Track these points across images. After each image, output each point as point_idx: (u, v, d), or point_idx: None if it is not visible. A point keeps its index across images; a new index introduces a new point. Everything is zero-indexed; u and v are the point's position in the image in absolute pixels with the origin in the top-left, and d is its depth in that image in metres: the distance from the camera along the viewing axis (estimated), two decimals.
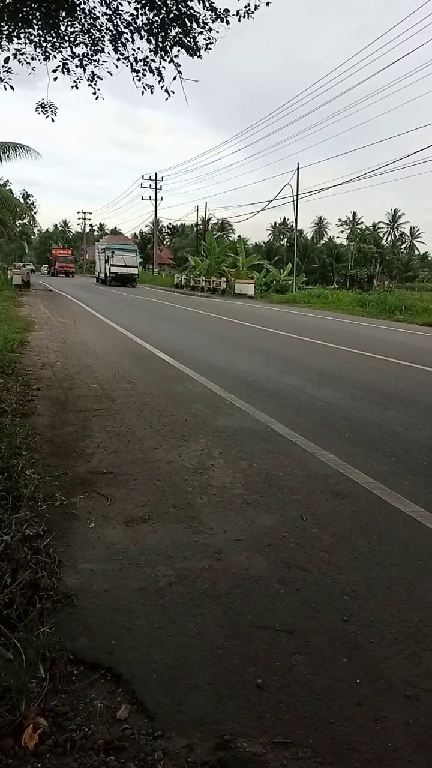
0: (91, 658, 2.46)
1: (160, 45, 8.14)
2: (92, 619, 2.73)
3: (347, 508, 4.10)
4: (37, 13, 7.86)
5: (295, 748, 2.02)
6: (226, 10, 7.77)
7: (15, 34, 8.11)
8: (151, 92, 8.50)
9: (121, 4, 7.95)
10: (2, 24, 7.93)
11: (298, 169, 39.21)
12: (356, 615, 2.83)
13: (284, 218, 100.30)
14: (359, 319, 23.04)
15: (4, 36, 8.16)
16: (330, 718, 2.17)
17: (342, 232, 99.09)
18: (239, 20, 7.87)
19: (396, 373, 10.17)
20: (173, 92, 8.49)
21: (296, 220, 44.70)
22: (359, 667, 2.46)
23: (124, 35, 8.16)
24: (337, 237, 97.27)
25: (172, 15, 7.86)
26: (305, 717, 2.17)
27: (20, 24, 7.89)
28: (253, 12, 7.86)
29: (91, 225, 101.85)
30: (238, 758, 1.96)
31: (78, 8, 8.01)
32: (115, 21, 8.16)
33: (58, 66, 8.45)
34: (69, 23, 8.26)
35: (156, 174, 61.59)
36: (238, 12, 7.82)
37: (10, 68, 8.56)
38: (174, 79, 8.32)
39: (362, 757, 2.00)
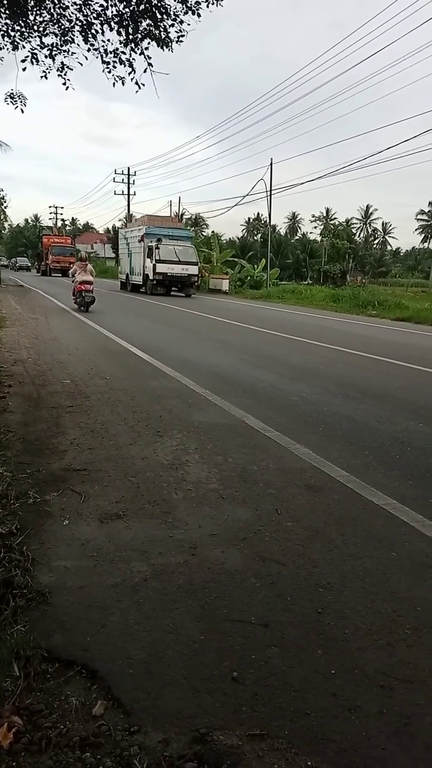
0: (66, 655, 2.44)
1: (131, 37, 8.09)
2: (67, 616, 2.71)
3: (321, 502, 4.13)
4: (5, 1, 7.74)
5: (270, 739, 2.03)
6: (197, 2, 7.74)
7: None
8: (123, 84, 8.45)
9: None
10: None
11: (271, 164, 39.21)
12: (331, 607, 2.86)
13: (258, 214, 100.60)
14: (332, 315, 23.19)
15: None
16: (305, 709, 2.18)
17: (315, 227, 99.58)
18: (208, 6, 7.83)
19: (369, 368, 10.27)
20: (143, 85, 8.47)
21: (270, 215, 44.88)
22: (334, 659, 2.48)
23: (94, 26, 8.09)
24: (311, 233, 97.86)
25: (142, 7, 7.81)
26: (281, 709, 2.18)
27: None
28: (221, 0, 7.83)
29: (63, 220, 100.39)
30: (215, 751, 1.96)
31: None
32: (84, 11, 8.09)
33: (27, 56, 8.35)
34: (38, 12, 8.16)
35: (129, 168, 61.05)
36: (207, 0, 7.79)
37: None
38: (144, 71, 8.28)
39: (337, 747, 2.02)
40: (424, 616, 2.81)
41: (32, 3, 7.92)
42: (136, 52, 8.29)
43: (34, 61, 8.41)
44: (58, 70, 8.71)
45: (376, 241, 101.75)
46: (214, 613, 2.78)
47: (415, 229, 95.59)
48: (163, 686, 2.28)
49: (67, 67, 8.69)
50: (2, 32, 8.20)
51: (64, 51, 8.54)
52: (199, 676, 2.34)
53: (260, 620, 2.73)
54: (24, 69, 8.35)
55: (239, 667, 2.40)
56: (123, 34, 8.11)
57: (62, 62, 8.61)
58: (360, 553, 3.41)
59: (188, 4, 7.79)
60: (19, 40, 8.35)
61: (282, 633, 2.65)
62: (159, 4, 7.80)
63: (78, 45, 8.49)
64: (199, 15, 7.92)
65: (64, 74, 8.75)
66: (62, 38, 8.42)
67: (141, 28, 8.09)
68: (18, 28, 8.22)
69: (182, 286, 30.05)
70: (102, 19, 8.07)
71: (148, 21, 7.99)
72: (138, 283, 31.93)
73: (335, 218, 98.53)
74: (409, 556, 3.40)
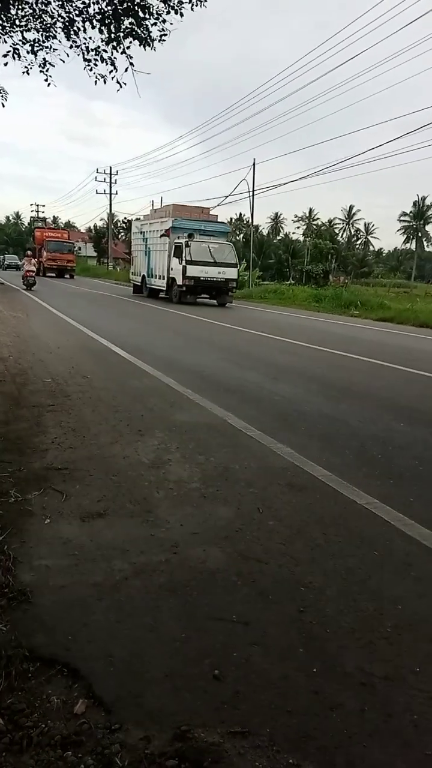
0: (47, 654, 2.43)
1: (113, 35, 8.07)
2: (48, 615, 2.70)
3: (303, 501, 4.15)
4: None
5: (252, 737, 2.04)
6: (180, 2, 7.75)
7: None
8: (104, 82, 8.44)
9: None
10: None
11: (254, 164, 39.28)
12: (312, 606, 2.87)
13: (240, 214, 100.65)
14: (315, 315, 23.28)
15: None
16: (287, 706, 2.19)
17: (298, 227, 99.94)
18: (192, 8, 7.84)
19: (350, 367, 10.33)
20: (125, 83, 8.46)
21: (252, 215, 44.94)
22: (315, 657, 2.49)
23: (76, 23, 8.06)
24: (293, 233, 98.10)
25: (125, 5, 7.79)
26: (262, 706, 2.19)
27: None
28: (205, 0, 7.84)
29: (44, 218, 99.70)
30: (196, 748, 1.97)
31: None
32: (67, 8, 8.06)
33: (9, 51, 8.29)
34: (19, 7, 8.11)
35: (111, 168, 60.85)
36: (190, 0, 7.80)
37: None
38: (126, 70, 8.27)
39: (318, 744, 2.03)
40: (406, 615, 2.84)
41: None
42: (117, 51, 8.27)
43: (15, 56, 8.35)
44: (40, 66, 8.67)
45: (358, 242, 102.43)
46: (196, 611, 2.78)
47: (397, 230, 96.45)
48: (145, 684, 2.28)
49: (49, 63, 8.67)
50: None
51: (46, 47, 8.51)
52: (181, 674, 2.34)
53: (241, 619, 2.74)
54: (5, 64, 8.30)
55: (220, 665, 2.40)
56: (105, 32, 8.09)
57: (44, 58, 8.58)
58: (341, 552, 3.43)
59: (171, 4, 7.79)
60: (0, 35, 8.30)
61: (263, 631, 2.66)
62: (141, 3, 7.80)
63: (60, 42, 8.46)
64: (181, 14, 7.93)
65: (46, 71, 8.71)
66: (44, 34, 8.38)
67: (123, 27, 8.07)
68: None
69: (216, 293, 24.32)
70: (84, 16, 8.05)
71: (130, 19, 7.98)
72: (158, 288, 26.29)
73: (318, 218, 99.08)
74: (391, 554, 3.43)
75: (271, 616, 2.77)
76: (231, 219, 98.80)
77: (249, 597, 2.92)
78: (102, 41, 8.22)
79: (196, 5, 7.85)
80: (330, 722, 2.13)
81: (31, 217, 66.17)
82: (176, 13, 7.88)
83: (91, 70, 8.49)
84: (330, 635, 2.65)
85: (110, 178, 61.22)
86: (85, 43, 8.33)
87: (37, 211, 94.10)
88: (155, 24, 8.08)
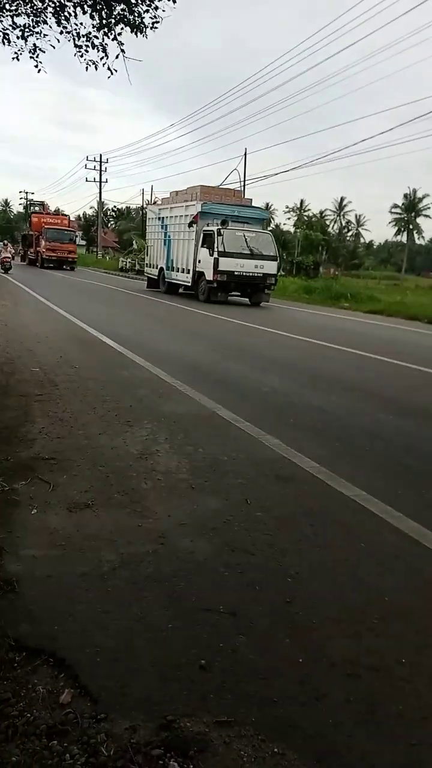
0: (33, 644, 2.42)
1: (104, 21, 7.99)
2: (35, 605, 2.69)
3: (291, 492, 4.16)
4: None
5: (237, 726, 2.05)
6: None
7: None
8: (96, 68, 8.36)
9: None
10: None
11: (245, 154, 39.19)
12: (299, 596, 2.88)
13: None
14: (305, 306, 23.28)
15: None
16: (272, 696, 2.20)
17: (289, 218, 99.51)
18: None
19: (340, 360, 10.36)
20: (116, 71, 8.38)
21: None
22: (302, 647, 2.50)
23: (67, 8, 7.97)
24: (284, 224, 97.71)
25: None
26: (248, 696, 2.20)
27: None
28: None
29: (42, 202, 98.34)
30: (182, 738, 1.97)
31: None
32: None
33: None
34: None
35: (101, 156, 60.38)
36: None
37: None
38: (117, 57, 8.20)
39: (304, 734, 2.04)
40: (392, 606, 2.85)
41: None
42: (109, 37, 8.19)
43: (5, 41, 8.25)
44: (30, 52, 8.57)
45: (349, 234, 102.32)
46: (183, 601, 2.78)
47: (389, 222, 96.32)
48: (131, 674, 2.28)
49: (40, 49, 8.57)
50: None
51: (36, 33, 8.41)
52: (167, 664, 2.34)
53: (228, 609, 2.74)
54: None
55: (207, 655, 2.41)
56: (96, 17, 8.00)
57: (34, 44, 8.48)
58: (329, 544, 3.44)
59: None
60: None
61: (250, 622, 2.66)
62: None
63: (50, 27, 8.37)
64: (174, 1, 7.85)
65: (36, 56, 8.62)
66: (35, 19, 8.28)
67: (115, 13, 7.99)
68: None
69: (252, 291, 21.12)
70: (75, 1, 7.95)
71: (122, 6, 7.89)
72: (181, 283, 22.79)
73: (309, 210, 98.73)
74: (378, 546, 3.45)
75: (258, 607, 2.78)
76: None
77: (236, 588, 2.93)
78: (93, 27, 8.14)
79: None
80: (315, 712, 2.14)
81: (26, 200, 55.41)
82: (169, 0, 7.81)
83: (81, 56, 8.41)
84: (316, 626, 2.66)
85: (100, 166, 60.77)
86: (76, 29, 8.25)
87: (26, 199, 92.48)
88: (147, 11, 8.00)
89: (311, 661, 2.42)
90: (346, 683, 2.30)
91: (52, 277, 31.50)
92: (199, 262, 20.83)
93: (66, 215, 53.12)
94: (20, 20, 8.28)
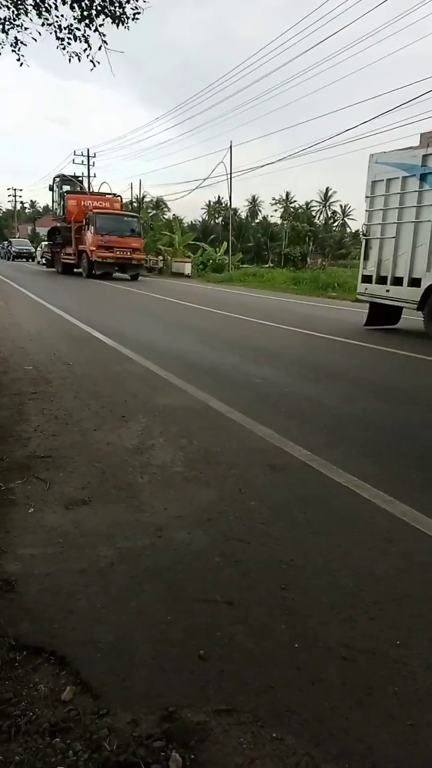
0: (33, 642, 2.44)
1: (85, 13, 7.94)
2: (34, 603, 2.71)
3: (284, 481, 4.20)
4: None
5: (237, 714, 2.08)
6: None
7: None
8: (78, 60, 8.32)
9: None
10: None
11: (231, 147, 39.06)
12: (294, 583, 2.92)
13: (219, 197, 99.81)
14: (293, 297, 23.31)
15: None
16: (270, 683, 2.23)
17: (276, 210, 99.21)
18: None
19: (328, 349, 10.40)
20: (99, 63, 8.34)
21: (230, 198, 44.78)
22: (297, 633, 2.54)
23: (47, 1, 7.92)
24: (271, 216, 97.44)
25: None
26: (246, 684, 2.23)
27: None
28: None
29: (21, 202, 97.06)
30: (183, 728, 2.00)
31: None
32: None
33: None
34: None
35: (88, 150, 59.86)
36: None
37: None
38: (99, 48, 8.16)
39: (302, 719, 2.07)
40: (386, 590, 2.89)
41: None
42: (90, 29, 8.15)
43: None
44: (11, 45, 8.51)
45: (335, 224, 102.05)
46: (181, 593, 2.82)
47: None
48: (132, 668, 2.31)
49: (21, 42, 8.50)
50: None
51: (17, 25, 8.34)
52: (167, 656, 2.38)
53: (225, 598, 2.77)
54: None
55: (205, 645, 2.44)
56: (77, 9, 7.95)
57: (15, 37, 8.42)
58: (322, 530, 3.47)
59: None
60: None
61: (246, 610, 2.70)
62: None
63: (31, 20, 8.31)
64: None
65: (18, 50, 8.56)
66: (15, 12, 8.22)
67: (96, 4, 7.94)
68: None
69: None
70: None
71: None
72: None
73: (295, 201, 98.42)
74: (371, 531, 3.49)
75: (254, 595, 2.81)
76: (209, 202, 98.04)
77: (232, 577, 2.96)
78: (75, 19, 8.09)
79: None
80: (312, 696, 2.18)
81: (57, 176, 34.85)
82: None
83: (64, 48, 8.37)
84: (311, 612, 2.70)
85: (88, 160, 60.20)
86: (57, 21, 8.20)
87: (14, 196, 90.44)
88: (128, 2, 7.96)
89: (307, 646, 2.46)
90: (342, 667, 2.34)
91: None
92: None
93: (118, 196, 34.40)
94: (0, 13, 8.21)
